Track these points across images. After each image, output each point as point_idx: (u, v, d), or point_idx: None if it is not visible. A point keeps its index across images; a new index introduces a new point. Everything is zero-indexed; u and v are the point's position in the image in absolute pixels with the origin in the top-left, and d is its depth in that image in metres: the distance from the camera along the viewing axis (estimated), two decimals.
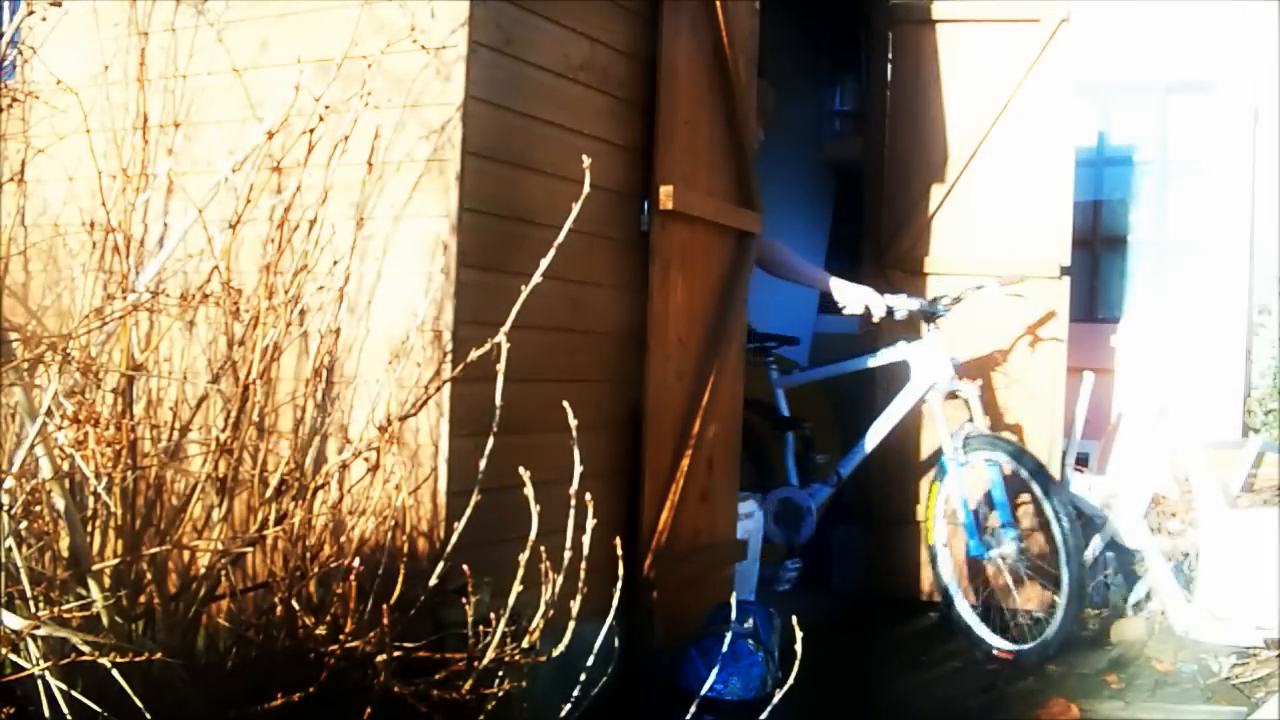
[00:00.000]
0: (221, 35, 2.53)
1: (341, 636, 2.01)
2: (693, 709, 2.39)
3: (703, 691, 2.64)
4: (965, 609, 3.93)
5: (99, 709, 1.78)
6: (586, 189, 2.24)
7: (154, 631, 2.02)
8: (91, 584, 1.87)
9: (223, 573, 2.11)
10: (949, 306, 4.01)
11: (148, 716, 1.80)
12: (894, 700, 3.44)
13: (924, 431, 4.31)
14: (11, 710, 1.85)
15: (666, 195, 3.02)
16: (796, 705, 2.30)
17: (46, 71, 2.18)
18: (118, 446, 1.95)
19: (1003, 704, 3.36)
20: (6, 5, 2.47)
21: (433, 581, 2.14)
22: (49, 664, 1.75)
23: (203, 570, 2.10)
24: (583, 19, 2.82)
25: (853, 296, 4.00)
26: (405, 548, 2.22)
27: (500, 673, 2.04)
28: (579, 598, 2.00)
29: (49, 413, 1.80)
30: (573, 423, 2.11)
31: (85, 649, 1.76)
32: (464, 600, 2.02)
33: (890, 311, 3.95)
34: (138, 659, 1.76)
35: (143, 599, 2.03)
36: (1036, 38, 4.30)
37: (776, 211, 4.03)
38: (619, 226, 2.98)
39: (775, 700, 2.22)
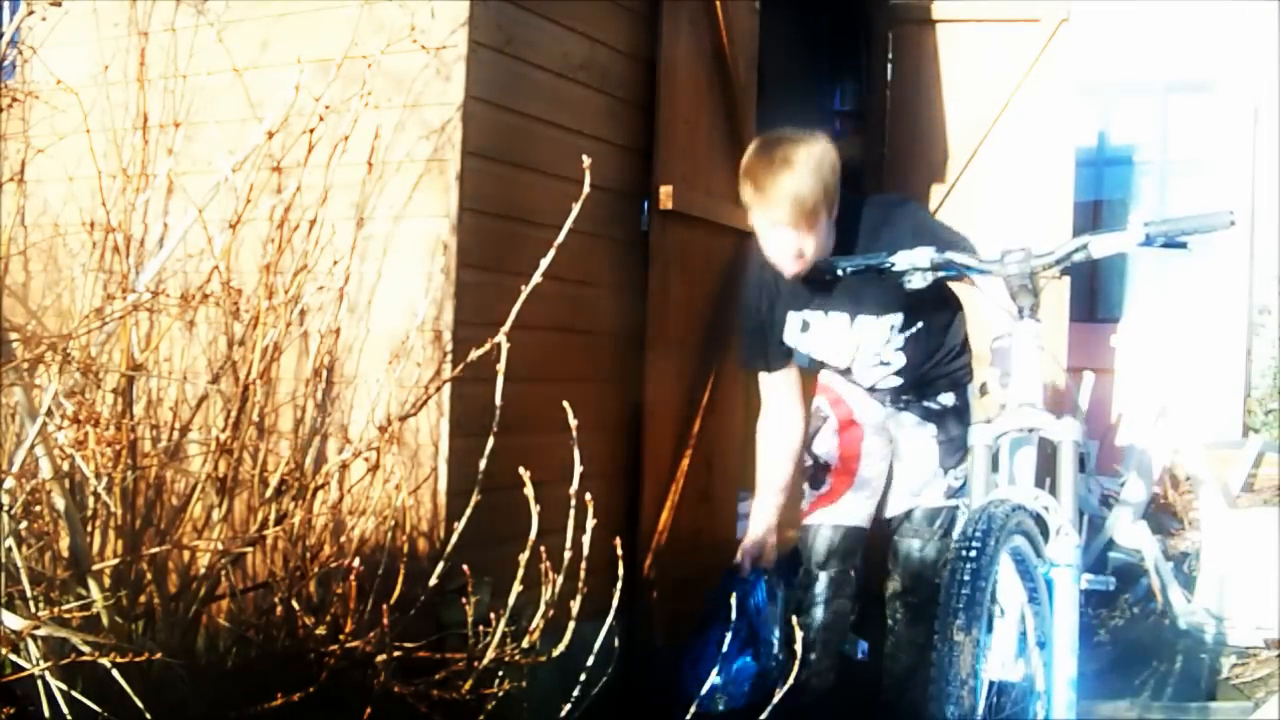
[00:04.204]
0: (221, 35, 2.53)
1: (341, 636, 2.01)
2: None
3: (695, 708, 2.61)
4: None
5: (99, 709, 1.78)
6: (586, 189, 2.24)
7: (154, 631, 2.02)
8: (91, 584, 1.87)
9: (223, 573, 2.11)
10: (1042, 271, 2.27)
11: (148, 716, 1.80)
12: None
13: None
14: (11, 710, 1.85)
15: (666, 195, 3.02)
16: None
17: (46, 71, 2.18)
18: (118, 446, 1.95)
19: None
20: (6, 5, 2.47)
21: (433, 581, 2.14)
22: (49, 664, 1.75)
23: (203, 570, 2.10)
24: (583, 19, 2.82)
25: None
26: (405, 548, 2.22)
27: (500, 673, 2.04)
28: (579, 598, 2.00)
29: (49, 413, 1.80)
30: (573, 423, 2.11)
31: (85, 649, 1.76)
32: (464, 600, 2.02)
33: (830, 268, 2.47)
34: (138, 659, 1.76)
35: (143, 599, 2.03)
36: (1036, 38, 4.30)
37: None
38: (619, 226, 2.98)
39: (776, 699, 2.20)
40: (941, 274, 2.36)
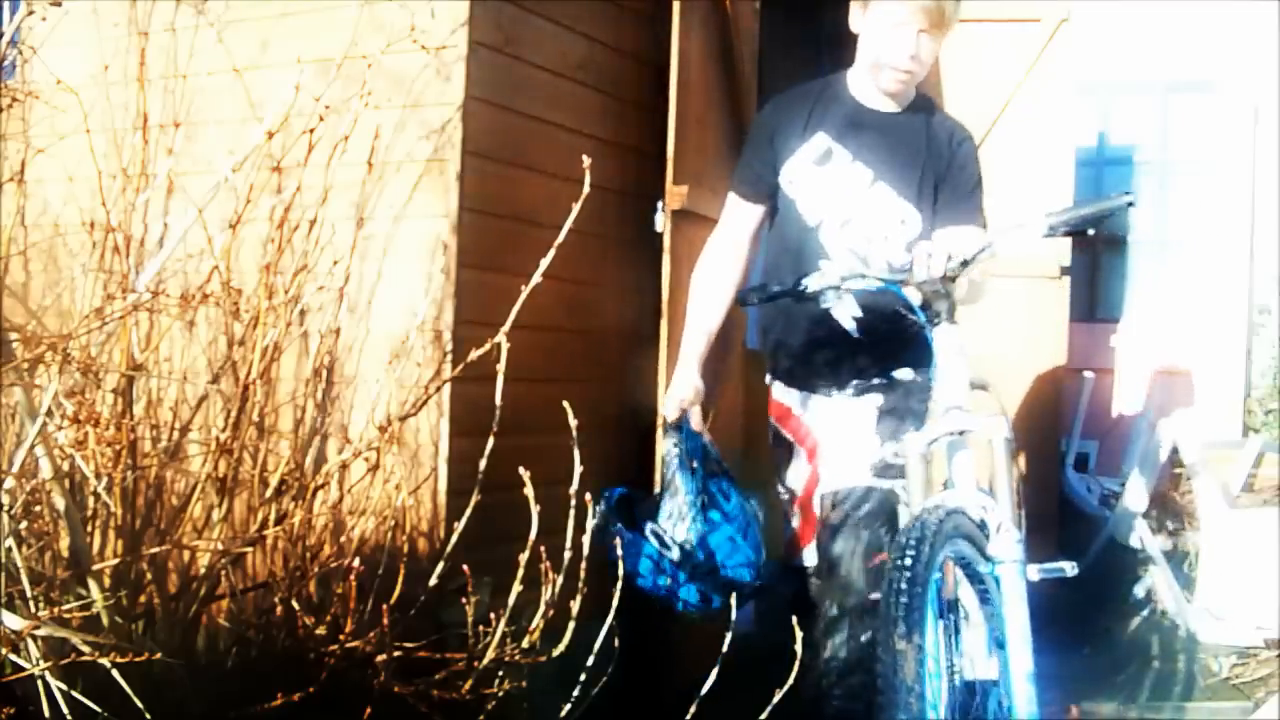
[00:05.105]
0: (221, 35, 2.53)
1: (341, 636, 2.01)
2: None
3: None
4: None
5: (99, 709, 1.78)
6: (586, 189, 2.24)
7: (154, 631, 2.02)
8: (91, 584, 1.87)
9: (223, 573, 2.11)
10: (955, 272, 2.17)
11: (148, 716, 1.80)
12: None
13: None
14: (11, 710, 1.85)
15: (681, 195, 3.01)
16: None
17: (46, 71, 2.18)
18: (118, 446, 1.95)
19: None
20: (6, 5, 2.47)
21: (433, 581, 2.14)
22: (49, 664, 1.75)
23: (203, 570, 2.10)
24: (583, 19, 2.82)
25: None
26: (405, 548, 2.22)
27: (500, 673, 2.04)
28: (579, 598, 2.00)
29: (49, 413, 1.80)
30: (573, 423, 2.11)
31: (85, 649, 1.76)
32: (464, 600, 2.01)
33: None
34: (138, 659, 1.76)
35: (143, 599, 2.03)
36: (1036, 38, 4.30)
37: None
38: (619, 226, 2.98)
39: (776, 699, 2.16)
40: (855, 291, 2.29)
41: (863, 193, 2.48)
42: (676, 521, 2.32)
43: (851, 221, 2.49)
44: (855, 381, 2.57)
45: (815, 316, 2.51)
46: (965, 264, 2.16)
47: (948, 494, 2.05)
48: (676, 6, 3.02)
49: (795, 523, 2.63)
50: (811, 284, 2.26)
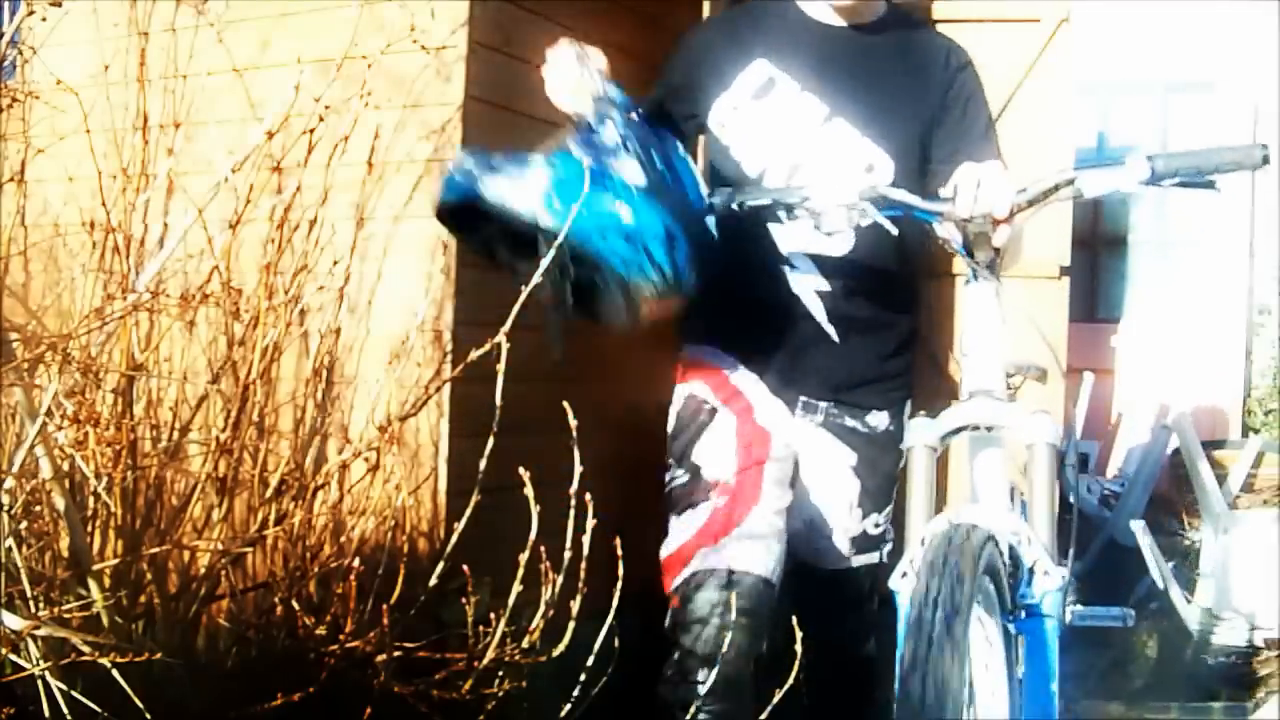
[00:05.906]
0: (221, 35, 2.53)
1: (341, 636, 2.01)
2: None
3: None
4: None
5: (99, 709, 1.78)
6: (586, 188, 2.24)
7: (154, 631, 2.02)
8: (91, 584, 1.87)
9: (223, 573, 2.11)
10: (1019, 209, 1.69)
11: (148, 716, 1.80)
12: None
13: None
14: (11, 710, 1.85)
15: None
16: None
17: (46, 71, 2.18)
18: (118, 446, 1.95)
19: None
20: (6, 5, 2.47)
21: (433, 581, 2.14)
22: (49, 664, 1.75)
23: (203, 570, 2.10)
24: (583, 19, 2.82)
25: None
26: (405, 548, 2.22)
27: (500, 673, 2.04)
28: (579, 598, 2.00)
29: (49, 413, 1.80)
30: (573, 423, 2.11)
31: (85, 649, 1.76)
32: (464, 600, 2.02)
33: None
34: (138, 659, 1.76)
35: (143, 599, 2.03)
36: (1036, 38, 4.30)
37: None
38: None
39: (776, 698, 2.15)
40: (876, 215, 1.71)
41: (815, 131, 1.98)
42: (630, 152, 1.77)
43: (801, 167, 1.99)
44: (824, 404, 2.09)
45: (773, 284, 2.03)
46: (1033, 201, 1.66)
47: (974, 509, 1.52)
48: (707, 6, 3.04)
49: (703, 516, 2.03)
50: (817, 196, 1.73)
